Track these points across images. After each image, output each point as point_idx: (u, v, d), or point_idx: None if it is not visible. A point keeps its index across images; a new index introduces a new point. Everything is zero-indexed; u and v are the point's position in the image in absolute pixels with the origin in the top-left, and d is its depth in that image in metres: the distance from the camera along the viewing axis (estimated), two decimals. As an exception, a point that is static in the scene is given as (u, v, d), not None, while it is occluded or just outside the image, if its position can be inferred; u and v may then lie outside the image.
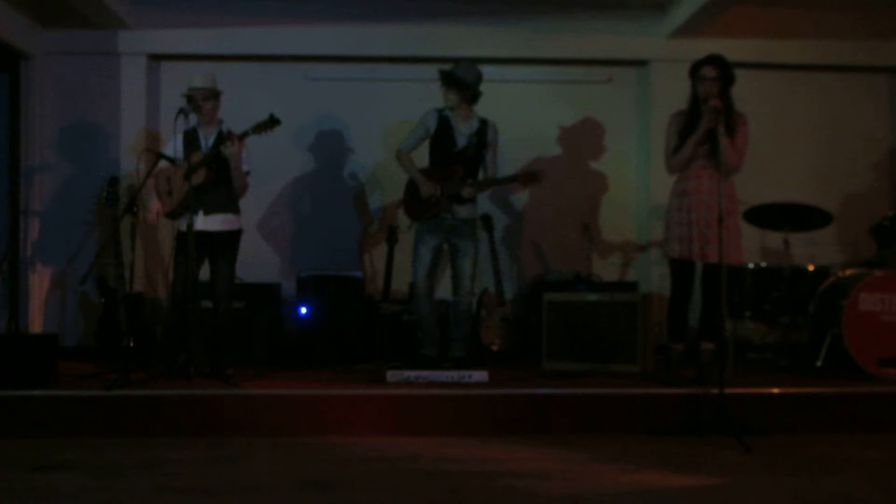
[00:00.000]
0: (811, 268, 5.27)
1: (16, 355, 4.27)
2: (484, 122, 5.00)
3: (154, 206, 4.86)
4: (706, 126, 4.40)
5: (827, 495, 3.06)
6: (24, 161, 6.03)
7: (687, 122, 4.58)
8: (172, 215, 4.81)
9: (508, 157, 6.32)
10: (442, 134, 4.95)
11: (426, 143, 5.02)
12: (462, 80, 4.89)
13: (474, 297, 5.12)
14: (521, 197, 6.41)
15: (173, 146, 4.75)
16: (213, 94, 4.77)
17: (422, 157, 5.04)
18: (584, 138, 6.42)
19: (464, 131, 4.96)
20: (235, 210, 4.83)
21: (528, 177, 4.92)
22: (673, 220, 4.62)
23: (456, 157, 4.92)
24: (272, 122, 4.54)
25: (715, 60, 4.52)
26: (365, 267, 6.20)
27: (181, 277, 4.68)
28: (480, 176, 5.01)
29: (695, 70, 4.56)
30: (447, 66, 4.97)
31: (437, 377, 4.47)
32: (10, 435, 3.98)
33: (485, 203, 6.34)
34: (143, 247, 5.97)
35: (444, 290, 5.40)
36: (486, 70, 6.30)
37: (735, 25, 6.00)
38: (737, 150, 4.49)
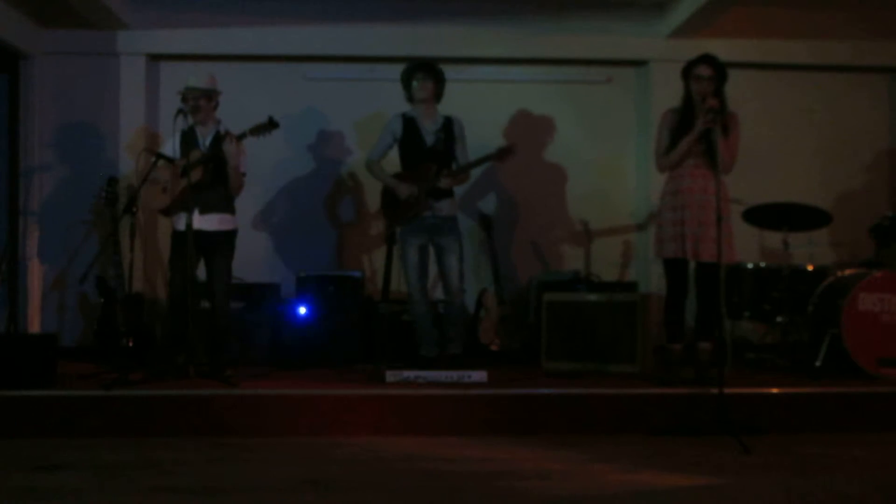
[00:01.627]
0: (810, 268, 5.27)
1: (15, 355, 4.26)
2: (448, 118, 5.04)
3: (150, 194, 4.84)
4: (703, 126, 4.40)
5: (825, 495, 3.05)
6: (23, 161, 6.03)
7: (680, 122, 4.58)
8: (167, 213, 4.81)
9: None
10: (409, 135, 4.99)
11: (391, 153, 5.09)
12: (441, 71, 4.98)
13: (465, 294, 5.13)
14: (520, 197, 6.41)
15: (172, 146, 4.75)
16: (206, 95, 4.75)
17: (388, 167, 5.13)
18: (583, 138, 6.42)
19: (430, 129, 5.00)
20: (231, 210, 4.82)
21: (502, 152, 4.93)
22: (666, 219, 4.62)
23: (427, 155, 4.95)
24: (270, 124, 4.53)
25: (709, 60, 4.53)
26: (364, 267, 6.20)
27: (179, 277, 4.68)
28: None
29: (688, 70, 4.57)
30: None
31: (436, 377, 4.46)
32: (10, 435, 3.98)
33: (483, 203, 6.35)
34: (142, 247, 5.97)
35: (440, 290, 5.40)
36: (486, 70, 6.39)
37: (734, 25, 6.00)
38: (731, 150, 4.50)
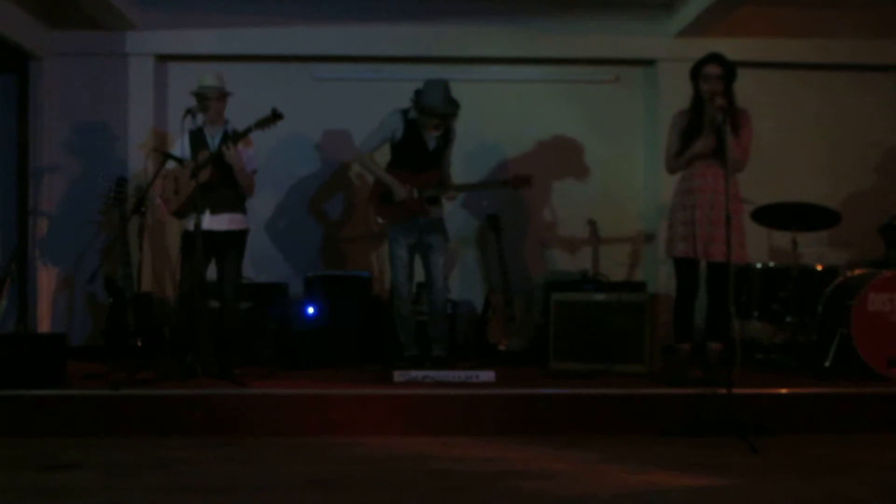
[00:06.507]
0: (819, 268, 5.25)
1: (24, 355, 4.28)
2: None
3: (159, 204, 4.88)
4: (713, 126, 4.39)
5: (833, 497, 3.05)
6: (32, 161, 6.05)
7: (689, 123, 4.57)
8: (179, 214, 4.82)
9: (513, 156, 6.36)
10: (412, 137, 4.96)
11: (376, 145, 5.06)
12: (436, 112, 4.85)
13: (449, 293, 5.13)
14: (527, 196, 6.39)
15: (180, 146, 4.78)
16: (223, 94, 4.80)
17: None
18: (591, 138, 6.42)
19: (433, 134, 4.99)
20: (242, 210, 4.84)
21: (519, 181, 4.96)
22: (677, 219, 4.61)
23: (429, 159, 4.96)
24: (274, 116, 4.53)
25: (717, 59, 4.52)
26: (372, 267, 6.21)
27: (189, 277, 4.69)
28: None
29: (697, 70, 4.56)
30: (410, 101, 4.94)
31: (444, 377, 4.47)
32: (19, 434, 4.00)
33: (491, 203, 6.34)
34: (150, 247, 5.99)
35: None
36: (493, 69, 6.39)
37: (743, 24, 5.98)
38: (742, 147, 4.49)
